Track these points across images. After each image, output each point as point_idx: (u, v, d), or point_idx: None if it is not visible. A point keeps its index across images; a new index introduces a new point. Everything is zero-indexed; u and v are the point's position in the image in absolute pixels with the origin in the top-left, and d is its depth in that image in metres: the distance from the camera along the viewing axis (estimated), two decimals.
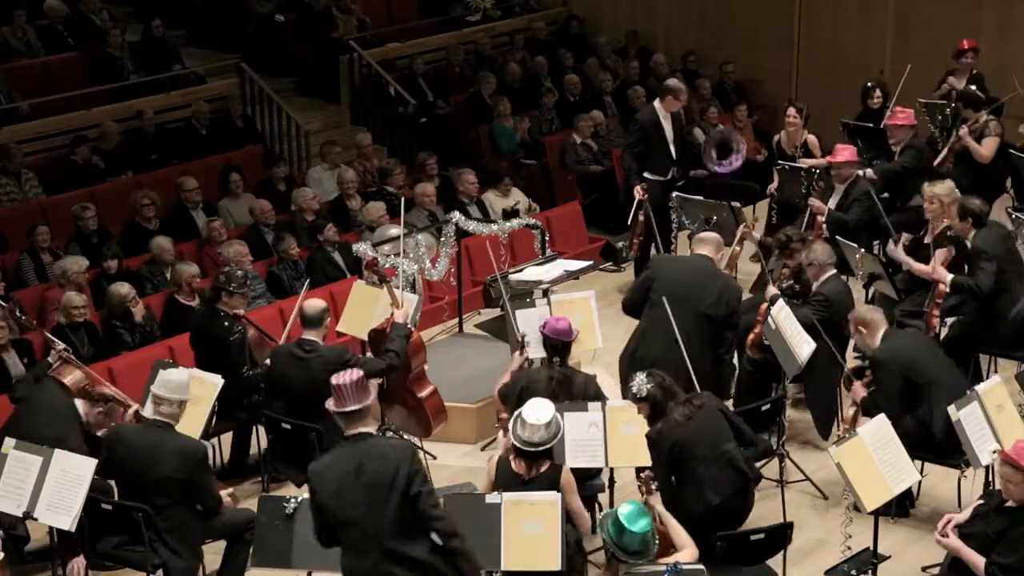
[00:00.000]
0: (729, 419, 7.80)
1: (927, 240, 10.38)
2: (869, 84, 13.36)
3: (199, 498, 7.68)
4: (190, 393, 7.83)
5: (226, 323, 9.35)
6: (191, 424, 8.13)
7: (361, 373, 6.61)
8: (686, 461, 7.56)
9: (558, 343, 8.39)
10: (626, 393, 8.24)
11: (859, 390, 8.45)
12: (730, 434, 7.70)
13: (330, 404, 6.58)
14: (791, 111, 12.87)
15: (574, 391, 8.26)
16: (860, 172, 11.66)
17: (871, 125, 12.80)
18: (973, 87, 12.99)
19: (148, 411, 7.89)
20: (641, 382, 7.66)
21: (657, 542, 6.48)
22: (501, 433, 7.83)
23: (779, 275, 9.97)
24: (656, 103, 12.19)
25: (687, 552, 6.85)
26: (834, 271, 9.77)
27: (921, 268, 9.97)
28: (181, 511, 7.62)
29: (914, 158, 12.01)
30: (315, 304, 8.91)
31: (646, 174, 12.05)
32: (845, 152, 11.54)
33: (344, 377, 6.55)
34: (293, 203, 12.94)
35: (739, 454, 7.67)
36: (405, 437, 9.34)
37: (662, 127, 12.08)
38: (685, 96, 12.45)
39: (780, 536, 7.37)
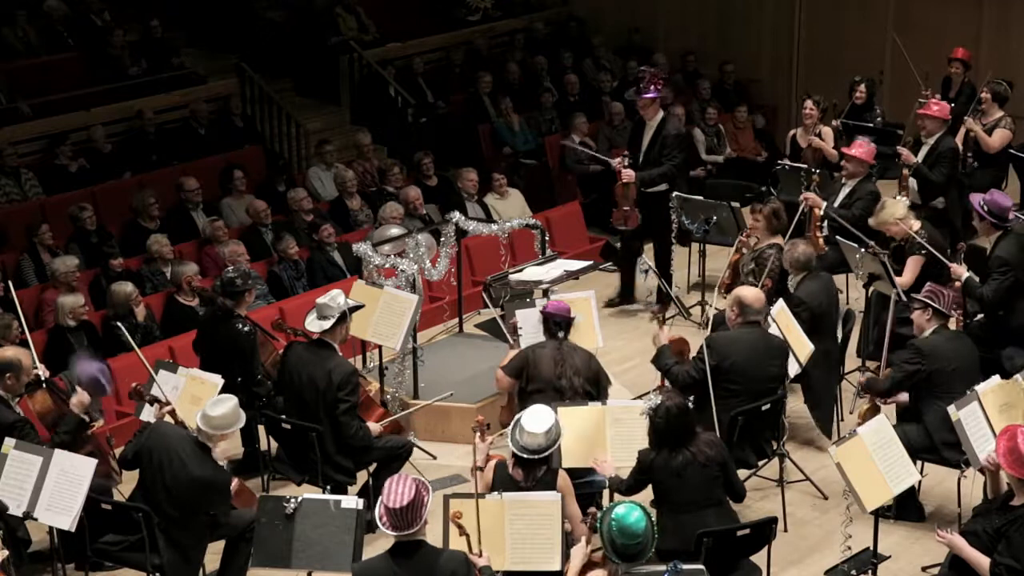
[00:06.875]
0: None
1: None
2: (856, 79, 13.27)
3: (214, 507, 7.70)
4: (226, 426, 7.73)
5: (240, 325, 9.23)
6: (191, 423, 8.10)
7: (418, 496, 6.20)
8: None
9: (561, 320, 8.56)
10: None
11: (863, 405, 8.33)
12: None
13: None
14: (808, 104, 12.62)
15: (578, 362, 8.44)
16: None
17: (870, 125, 12.78)
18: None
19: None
20: None
21: (655, 545, 6.39)
22: (478, 437, 7.52)
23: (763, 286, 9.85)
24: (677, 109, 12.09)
25: None
26: (807, 272, 9.69)
27: (953, 267, 9.79)
28: (196, 517, 7.64)
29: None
30: (331, 295, 8.80)
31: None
32: (861, 147, 11.25)
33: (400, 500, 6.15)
34: (289, 204, 12.94)
35: None
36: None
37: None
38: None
39: (765, 531, 7.36)
